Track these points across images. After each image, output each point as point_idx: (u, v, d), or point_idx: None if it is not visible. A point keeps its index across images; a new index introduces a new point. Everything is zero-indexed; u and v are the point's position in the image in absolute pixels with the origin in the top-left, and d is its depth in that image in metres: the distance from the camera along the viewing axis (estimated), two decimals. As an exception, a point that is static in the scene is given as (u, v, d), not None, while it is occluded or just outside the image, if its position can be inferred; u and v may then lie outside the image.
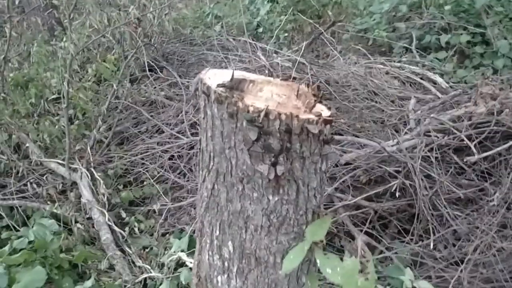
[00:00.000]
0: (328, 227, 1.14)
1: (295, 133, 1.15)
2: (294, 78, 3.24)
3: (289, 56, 3.68)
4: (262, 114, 1.13)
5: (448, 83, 3.93)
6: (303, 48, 3.39)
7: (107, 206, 3.08)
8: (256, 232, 1.28)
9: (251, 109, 1.15)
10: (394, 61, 4.22)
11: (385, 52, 4.63)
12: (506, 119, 3.00)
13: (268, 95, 1.25)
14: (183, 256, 2.36)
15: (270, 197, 1.23)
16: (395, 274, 2.33)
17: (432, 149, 3.11)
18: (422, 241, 2.98)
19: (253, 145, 1.17)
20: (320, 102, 1.30)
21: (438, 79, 3.93)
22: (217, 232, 1.34)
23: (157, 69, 4.16)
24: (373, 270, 1.14)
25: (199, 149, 1.34)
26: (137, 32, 3.75)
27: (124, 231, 3.00)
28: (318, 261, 1.15)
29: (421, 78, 3.98)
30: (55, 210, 3.05)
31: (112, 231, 2.99)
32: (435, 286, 2.49)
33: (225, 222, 1.31)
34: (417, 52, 4.38)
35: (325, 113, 1.22)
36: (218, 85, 1.17)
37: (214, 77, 1.27)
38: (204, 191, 1.35)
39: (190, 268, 2.37)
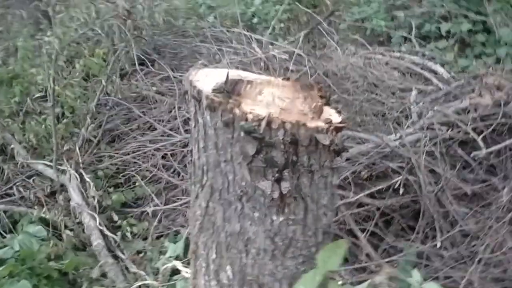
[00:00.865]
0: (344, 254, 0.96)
1: (302, 145, 0.97)
2: (292, 71, 3.05)
3: (285, 47, 3.48)
4: (263, 123, 0.94)
5: (449, 73, 3.75)
6: (300, 39, 3.20)
7: (97, 209, 2.89)
8: (259, 256, 1.10)
9: (249, 116, 0.96)
10: (394, 51, 4.03)
11: (384, 42, 4.44)
12: (513, 111, 2.83)
13: (269, 98, 1.06)
14: (179, 266, 2.19)
15: (274, 217, 1.05)
16: (402, 276, 2.15)
17: (436, 143, 2.93)
18: (427, 238, 2.82)
19: (253, 159, 0.98)
20: (328, 104, 1.11)
21: (439, 69, 3.74)
22: (214, 255, 1.16)
23: (148, 63, 3.94)
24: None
25: (190, 160, 1.15)
26: (127, 24, 3.53)
27: (117, 235, 2.82)
28: (332, 294, 0.97)
29: (421, 68, 3.79)
30: (43, 215, 2.86)
31: (104, 236, 2.81)
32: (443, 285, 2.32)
33: (222, 245, 1.13)
34: (417, 41, 4.20)
35: (336, 118, 1.04)
36: (214, 90, 0.98)
37: (205, 79, 1.08)
38: (198, 209, 1.16)
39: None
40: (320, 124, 0.98)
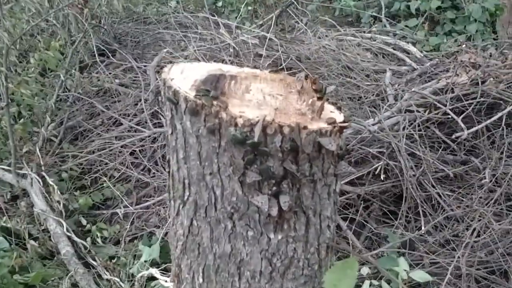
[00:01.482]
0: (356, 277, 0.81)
1: (304, 151, 0.81)
2: (264, 57, 2.87)
3: (254, 31, 3.29)
4: (258, 128, 0.77)
5: (421, 52, 3.66)
6: (272, 23, 3.01)
7: (64, 214, 2.68)
8: (254, 279, 0.94)
9: (239, 121, 0.79)
10: (364, 32, 3.91)
11: (353, 23, 4.31)
12: (491, 88, 2.75)
13: (259, 97, 0.89)
14: (156, 274, 2.01)
15: (272, 236, 0.89)
16: (389, 265, 2.04)
17: (414, 125, 2.84)
18: (409, 222, 2.74)
19: (246, 170, 0.82)
20: (324, 98, 0.95)
21: (412, 48, 3.65)
22: (200, 279, 0.99)
23: (109, 53, 3.68)
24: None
25: (168, 172, 0.97)
26: (84, 13, 3.26)
27: (86, 240, 2.61)
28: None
29: (393, 49, 3.68)
30: (4, 224, 2.62)
31: (73, 243, 2.60)
32: (429, 274, 2.23)
33: (211, 268, 0.96)
34: (387, 20, 4.08)
35: (338, 117, 0.88)
36: (198, 92, 0.80)
37: (181, 76, 0.90)
38: (179, 227, 0.99)
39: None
40: (323, 125, 0.82)
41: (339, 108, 0.92)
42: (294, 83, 0.98)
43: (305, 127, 0.79)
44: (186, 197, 0.93)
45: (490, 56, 3.11)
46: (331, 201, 0.92)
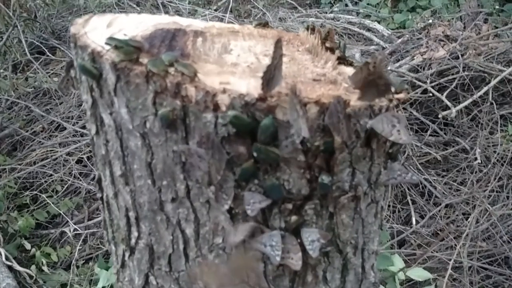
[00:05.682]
0: None
1: (344, 148, 0.42)
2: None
3: (209, 16, 2.87)
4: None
5: (388, 30, 3.36)
6: (229, 6, 2.61)
7: (1, 240, 2.22)
8: None
9: (222, 101, 0.39)
10: (326, 13, 3.57)
11: (311, 5, 3.96)
12: (472, 61, 2.46)
13: (250, 58, 0.49)
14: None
15: (287, 296, 0.50)
16: (383, 264, 1.70)
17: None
18: (394, 213, 2.43)
19: (239, 191, 0.42)
20: (346, 60, 0.57)
21: (378, 26, 3.34)
22: None
23: (47, 51, 3.16)
24: None
25: (100, 199, 0.56)
26: (10, 5, 2.75)
27: (31, 268, 2.17)
28: None
29: (358, 28, 3.36)
30: None
31: (15, 272, 2.16)
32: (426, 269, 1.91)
33: None
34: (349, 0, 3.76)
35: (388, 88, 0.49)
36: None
37: (108, 31, 0.49)
38: (127, 285, 0.58)
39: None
40: (375, 100, 0.43)
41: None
42: (297, 39, 0.60)
43: (347, 103, 0.40)
44: (134, 241, 0.52)
45: (464, 28, 2.84)
46: (377, 225, 0.54)
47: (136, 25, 0.52)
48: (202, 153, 0.41)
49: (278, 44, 0.39)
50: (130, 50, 0.41)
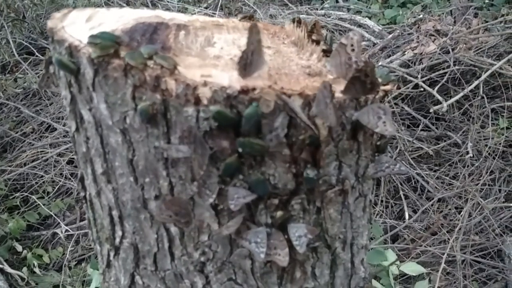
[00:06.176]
0: None
1: (330, 141, 0.41)
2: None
3: (201, 13, 2.85)
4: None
5: (379, 26, 3.36)
6: (219, 3, 2.59)
7: (-8, 243, 2.19)
8: None
9: (204, 94, 0.38)
10: (317, 9, 3.56)
11: (302, 1, 3.95)
12: (463, 55, 2.46)
13: (233, 51, 0.48)
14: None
15: (275, 293, 0.49)
16: (376, 260, 1.70)
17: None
18: (387, 208, 2.43)
19: (223, 187, 0.41)
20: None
21: (369, 22, 3.34)
22: None
23: (36, 51, 3.13)
24: None
25: (84, 198, 0.55)
26: (-1, 5, 2.72)
27: (22, 270, 2.15)
28: None
29: (349, 24, 3.35)
30: None
31: (7, 275, 2.14)
32: (419, 263, 1.91)
33: None
34: (339, -4, 3.76)
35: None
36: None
37: (87, 26, 0.48)
38: (113, 285, 0.57)
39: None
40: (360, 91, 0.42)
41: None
42: (283, 32, 0.58)
43: (333, 92, 0.39)
44: (118, 240, 0.51)
45: (454, 22, 2.84)
46: (366, 219, 0.53)
47: (116, 19, 0.51)
48: (183, 149, 0.40)
49: (252, 29, 0.38)
50: (106, 44, 0.39)
